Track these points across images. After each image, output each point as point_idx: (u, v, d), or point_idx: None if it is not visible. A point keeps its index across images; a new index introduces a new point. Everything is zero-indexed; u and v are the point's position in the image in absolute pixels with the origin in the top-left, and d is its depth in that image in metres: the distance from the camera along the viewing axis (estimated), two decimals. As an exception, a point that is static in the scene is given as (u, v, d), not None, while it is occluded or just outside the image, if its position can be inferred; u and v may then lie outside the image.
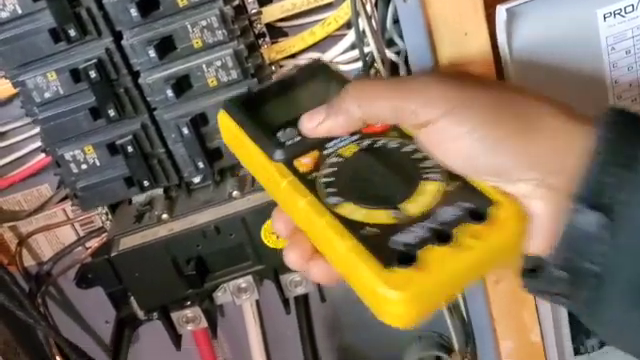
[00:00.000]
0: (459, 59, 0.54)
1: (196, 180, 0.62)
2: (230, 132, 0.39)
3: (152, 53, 0.50)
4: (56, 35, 0.50)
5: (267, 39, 0.58)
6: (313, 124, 0.36)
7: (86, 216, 0.67)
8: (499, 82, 0.50)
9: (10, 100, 0.61)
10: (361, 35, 0.56)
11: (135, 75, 0.53)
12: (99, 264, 0.67)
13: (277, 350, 0.77)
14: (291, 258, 0.35)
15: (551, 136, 0.31)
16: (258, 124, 0.38)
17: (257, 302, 0.73)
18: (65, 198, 0.65)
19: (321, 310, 0.76)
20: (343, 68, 0.61)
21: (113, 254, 0.59)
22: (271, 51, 0.58)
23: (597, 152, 0.30)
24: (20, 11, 0.49)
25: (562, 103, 0.33)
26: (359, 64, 0.60)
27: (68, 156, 0.54)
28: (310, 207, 0.33)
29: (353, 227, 0.31)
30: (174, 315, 0.65)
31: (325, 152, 0.36)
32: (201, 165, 0.56)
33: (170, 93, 0.52)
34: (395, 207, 0.32)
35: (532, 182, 0.31)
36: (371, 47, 0.56)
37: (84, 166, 0.55)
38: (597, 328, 0.34)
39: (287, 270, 0.65)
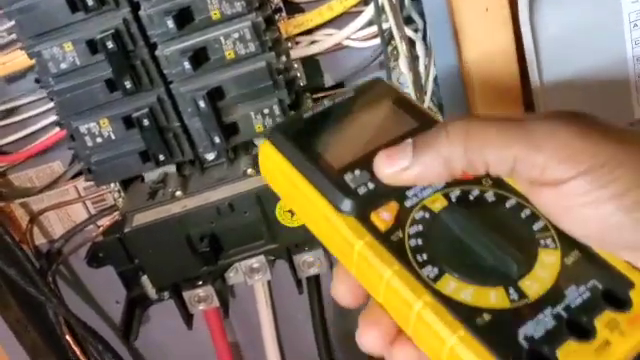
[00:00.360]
0: (480, 36, 0.54)
1: (210, 157, 0.62)
2: (276, 169, 0.32)
3: (170, 24, 0.50)
4: (73, 4, 0.49)
5: (283, 14, 0.57)
6: (395, 168, 0.29)
7: (98, 194, 0.67)
8: None
9: (23, 75, 0.61)
10: (380, 11, 0.55)
11: (152, 47, 0.52)
12: (110, 243, 0.67)
13: (288, 331, 0.77)
14: (368, 339, 0.28)
15: None
16: (317, 162, 0.30)
17: (268, 283, 0.72)
18: (77, 175, 0.65)
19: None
20: (360, 45, 0.60)
21: (126, 230, 0.58)
22: (288, 25, 0.57)
23: None
24: (37, -20, 0.49)
25: None
26: (377, 41, 0.59)
27: (83, 129, 0.54)
28: (400, 281, 0.26)
29: (458, 309, 0.24)
30: (186, 294, 0.65)
31: (407, 204, 0.28)
32: (217, 140, 0.55)
33: (187, 65, 0.51)
34: (512, 285, 0.25)
35: None
36: (390, 23, 0.56)
37: (99, 139, 0.55)
38: None
39: (300, 250, 0.64)
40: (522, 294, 0.25)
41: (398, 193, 0.29)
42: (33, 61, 0.52)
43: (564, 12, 0.52)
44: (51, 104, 0.59)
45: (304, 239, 0.62)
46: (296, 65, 0.61)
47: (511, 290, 0.25)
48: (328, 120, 0.33)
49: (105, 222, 0.67)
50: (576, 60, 0.54)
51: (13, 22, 0.51)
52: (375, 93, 0.35)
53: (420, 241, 0.27)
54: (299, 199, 0.31)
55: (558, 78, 0.55)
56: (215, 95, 0.54)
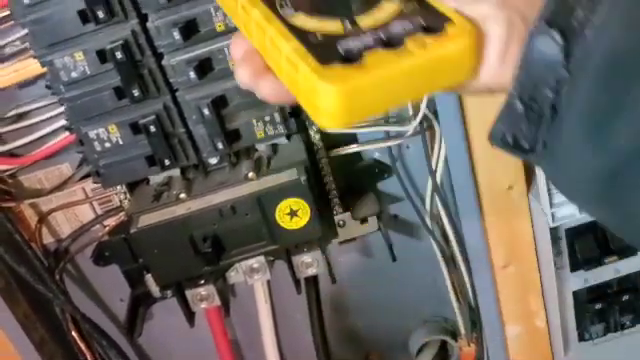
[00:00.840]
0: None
1: (213, 161, 0.64)
2: None
3: (177, 35, 0.52)
4: (85, 16, 0.52)
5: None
6: None
7: (105, 195, 0.69)
8: None
9: (34, 81, 0.63)
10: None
11: (159, 57, 0.55)
12: (116, 242, 0.69)
13: (286, 330, 0.79)
14: (242, 74, 0.35)
15: None
16: None
17: (268, 283, 0.75)
18: (85, 176, 0.67)
19: (330, 292, 0.78)
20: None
21: (132, 231, 0.61)
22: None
23: None
24: (52, -7, 0.51)
25: None
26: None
27: (92, 134, 0.56)
28: (262, 16, 0.33)
29: (301, 33, 0.31)
30: (188, 293, 0.67)
31: None
32: (220, 146, 0.58)
33: (192, 75, 0.54)
34: (348, 19, 0.31)
35: (493, 1, 0.30)
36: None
37: (107, 144, 0.57)
38: (555, 174, 0.33)
39: (299, 251, 0.67)
40: (355, 25, 0.31)
41: None
42: (44, 68, 0.55)
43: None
44: (60, 109, 0.61)
45: (303, 241, 0.65)
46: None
47: (346, 22, 0.31)
48: None
49: (111, 222, 0.70)
50: None
51: (25, 31, 0.53)
52: None
53: None
54: None
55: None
56: (219, 103, 0.56)
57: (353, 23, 0.31)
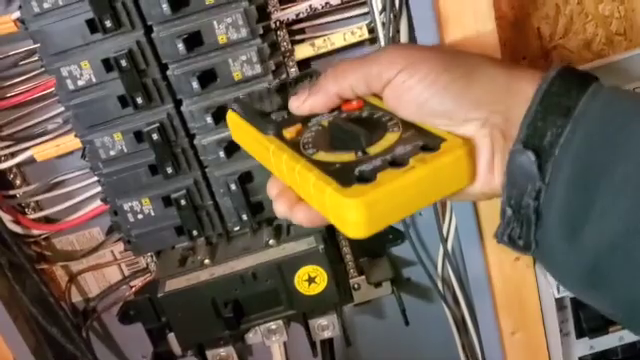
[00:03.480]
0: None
1: (236, 228, 0.68)
2: (237, 126, 0.46)
3: (209, 119, 0.56)
4: (124, 101, 0.56)
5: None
6: (298, 103, 0.43)
7: (132, 257, 0.73)
8: (450, 47, 0.55)
9: (70, 153, 0.67)
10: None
11: (191, 137, 0.59)
12: (141, 302, 0.73)
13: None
14: (279, 207, 0.41)
15: (490, 80, 0.36)
16: (258, 114, 0.45)
17: (285, 344, 0.77)
18: (115, 241, 0.71)
19: (345, 354, 0.81)
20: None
21: (160, 295, 0.64)
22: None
23: (534, 100, 0.35)
24: (94, 79, 0.56)
25: (504, 60, 0.38)
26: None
27: (126, 207, 0.60)
28: (290, 157, 0.39)
29: (323, 165, 0.37)
30: (209, 353, 0.70)
31: (309, 124, 0.42)
32: (245, 217, 0.62)
33: (222, 154, 0.58)
34: (360, 150, 0.38)
35: (477, 122, 0.36)
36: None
37: (140, 216, 0.61)
38: (547, 268, 0.38)
39: (315, 314, 0.70)
40: (365, 154, 0.38)
41: (306, 121, 0.43)
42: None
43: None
44: (94, 178, 0.65)
45: (320, 306, 0.68)
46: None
47: (359, 152, 0.38)
48: (270, 92, 0.49)
49: (137, 283, 0.73)
50: None
51: (62, 108, 0.58)
52: (308, 73, 0.50)
53: (308, 139, 0.41)
54: (247, 138, 0.45)
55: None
56: (245, 179, 0.60)
57: (364, 153, 0.38)
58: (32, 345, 0.68)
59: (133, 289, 0.73)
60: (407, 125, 0.39)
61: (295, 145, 0.40)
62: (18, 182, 0.67)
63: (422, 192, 0.36)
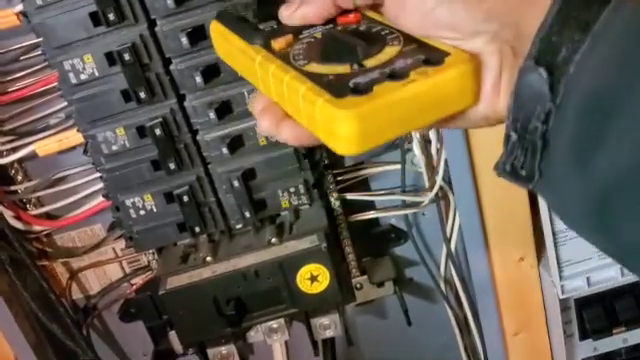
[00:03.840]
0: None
1: (238, 226, 0.67)
2: (221, 37, 0.43)
3: (212, 115, 0.56)
4: (127, 95, 0.56)
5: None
6: (289, 11, 0.39)
7: (133, 255, 0.72)
8: None
9: (72, 148, 0.67)
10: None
11: (194, 133, 0.59)
12: (142, 299, 0.72)
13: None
14: (263, 123, 0.37)
15: None
16: (244, 24, 0.42)
17: (286, 343, 0.77)
18: (117, 237, 0.71)
19: (347, 353, 0.80)
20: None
21: (161, 292, 0.64)
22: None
23: (550, 11, 0.31)
24: (97, 73, 0.55)
25: None
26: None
27: (128, 203, 0.60)
28: (278, 69, 0.36)
29: (314, 77, 0.34)
30: (210, 351, 0.70)
31: (300, 36, 0.39)
32: (247, 214, 0.61)
33: (225, 150, 0.58)
34: (356, 62, 0.35)
35: (486, 36, 0.33)
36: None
37: (142, 212, 0.61)
38: (551, 201, 0.35)
39: (317, 314, 0.70)
40: (362, 66, 0.34)
41: (297, 32, 0.39)
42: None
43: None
44: (95, 174, 0.65)
45: (322, 305, 0.67)
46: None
47: (355, 65, 0.34)
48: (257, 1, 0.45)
49: (138, 281, 0.73)
50: None
51: (65, 103, 0.57)
52: None
53: (299, 50, 0.37)
54: (232, 50, 0.41)
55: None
56: (248, 175, 0.60)
57: (361, 65, 0.35)
58: (32, 341, 0.68)
59: (134, 287, 0.73)
60: (408, 39, 0.36)
61: (284, 57, 0.37)
62: (20, 177, 0.67)
63: (421, 108, 0.33)
